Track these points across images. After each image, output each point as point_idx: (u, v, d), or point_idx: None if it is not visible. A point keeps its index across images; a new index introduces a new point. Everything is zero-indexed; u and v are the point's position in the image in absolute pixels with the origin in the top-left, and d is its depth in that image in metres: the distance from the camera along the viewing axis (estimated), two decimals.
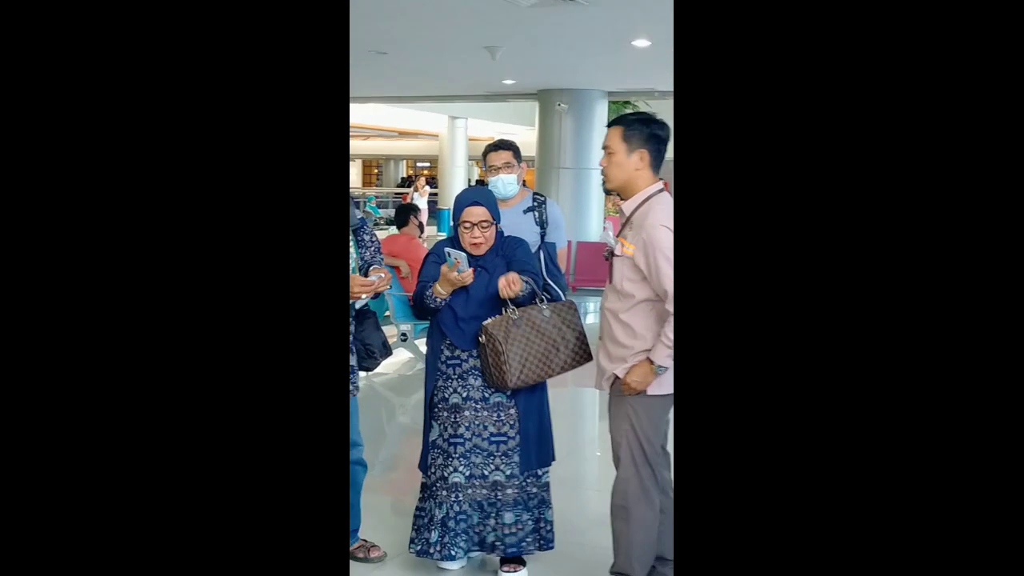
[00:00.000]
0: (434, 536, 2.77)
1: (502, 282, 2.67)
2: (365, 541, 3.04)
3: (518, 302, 2.71)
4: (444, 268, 2.74)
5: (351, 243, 2.88)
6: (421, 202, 15.65)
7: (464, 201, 2.80)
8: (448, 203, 19.52)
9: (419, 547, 2.82)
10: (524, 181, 3.38)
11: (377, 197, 24.68)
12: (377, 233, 3.06)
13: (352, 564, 2.97)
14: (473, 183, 25.73)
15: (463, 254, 2.72)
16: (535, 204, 3.28)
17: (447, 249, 2.76)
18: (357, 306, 2.87)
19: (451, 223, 2.90)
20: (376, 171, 37.82)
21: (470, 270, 2.73)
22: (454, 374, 2.79)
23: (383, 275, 2.82)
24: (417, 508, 2.88)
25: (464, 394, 2.77)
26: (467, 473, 2.75)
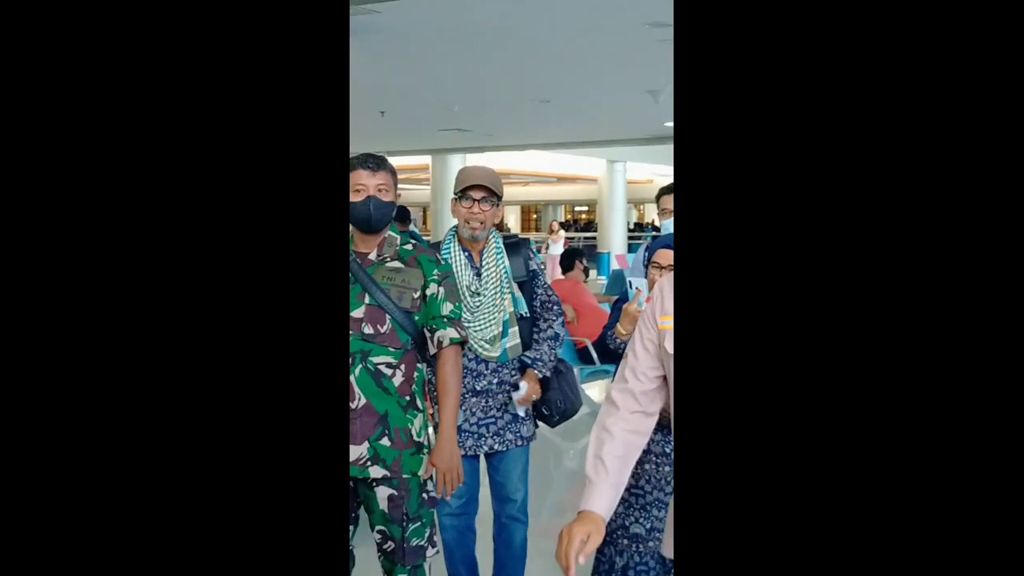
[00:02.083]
0: None
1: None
2: None
3: None
4: (625, 305, 2.70)
5: (509, 294, 2.88)
6: (556, 248, 15.65)
7: (662, 242, 2.78)
8: (608, 247, 19.51)
9: None
10: None
11: (536, 243, 25.03)
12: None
13: None
14: (632, 226, 25.64)
15: (644, 281, 2.69)
16: None
17: (630, 279, 2.74)
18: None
19: (643, 264, 2.90)
20: (535, 216, 38.43)
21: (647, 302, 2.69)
22: None
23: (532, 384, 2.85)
24: (597, 552, 2.84)
25: (646, 447, 2.71)
26: (648, 526, 2.68)
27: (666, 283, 1.72)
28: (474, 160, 16.02)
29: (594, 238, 22.60)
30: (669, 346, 1.67)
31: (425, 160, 15.86)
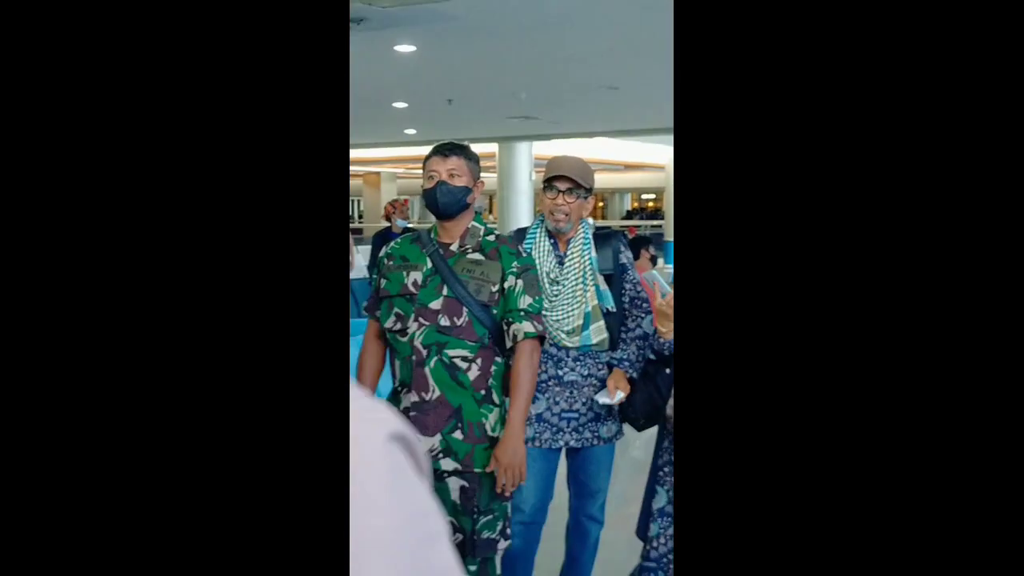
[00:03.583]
0: None
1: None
2: None
3: None
4: (656, 303, 2.42)
5: (593, 286, 2.73)
6: None
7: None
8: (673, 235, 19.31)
9: None
10: None
11: None
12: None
13: None
14: None
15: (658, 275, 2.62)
16: None
17: (646, 275, 2.66)
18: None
19: None
20: (602, 204, 38.26)
21: (671, 294, 2.41)
22: None
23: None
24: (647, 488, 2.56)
25: None
26: None
27: None
28: (541, 148, 15.97)
29: (661, 226, 22.39)
30: None
31: (492, 148, 15.94)
